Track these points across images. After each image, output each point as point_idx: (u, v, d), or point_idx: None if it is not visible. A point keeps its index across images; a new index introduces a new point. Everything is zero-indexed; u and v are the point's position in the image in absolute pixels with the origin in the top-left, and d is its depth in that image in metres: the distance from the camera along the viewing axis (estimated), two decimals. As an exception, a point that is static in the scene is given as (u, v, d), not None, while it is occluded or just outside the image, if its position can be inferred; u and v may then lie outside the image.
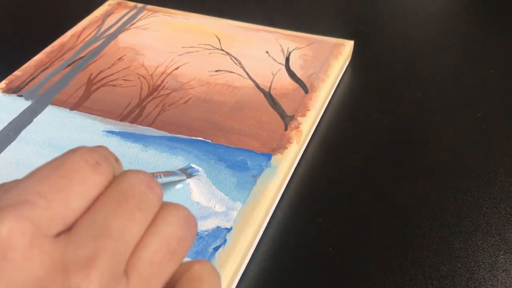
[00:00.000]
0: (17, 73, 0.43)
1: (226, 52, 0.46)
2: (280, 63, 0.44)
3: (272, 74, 0.43)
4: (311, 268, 0.31)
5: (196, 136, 0.37)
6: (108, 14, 0.51)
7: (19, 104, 0.40)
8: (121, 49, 0.46)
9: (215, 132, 0.37)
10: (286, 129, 0.38)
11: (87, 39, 0.48)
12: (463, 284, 0.30)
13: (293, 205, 0.35)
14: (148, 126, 0.38)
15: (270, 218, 0.34)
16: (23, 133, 0.37)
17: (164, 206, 0.19)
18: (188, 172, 0.34)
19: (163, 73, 0.43)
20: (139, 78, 0.43)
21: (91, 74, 0.43)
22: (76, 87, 0.42)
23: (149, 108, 0.40)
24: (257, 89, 0.42)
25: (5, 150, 0.36)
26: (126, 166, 0.34)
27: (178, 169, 0.34)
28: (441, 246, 0.32)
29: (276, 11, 0.56)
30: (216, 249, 0.29)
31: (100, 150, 0.19)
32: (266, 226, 0.33)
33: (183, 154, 0.36)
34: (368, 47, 0.50)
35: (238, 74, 0.43)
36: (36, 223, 0.16)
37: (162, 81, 0.42)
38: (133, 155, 0.36)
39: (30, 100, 0.40)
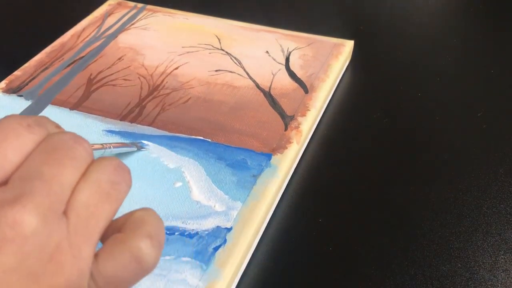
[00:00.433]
0: (17, 73, 0.43)
1: (226, 52, 0.46)
2: (280, 63, 0.44)
3: (272, 74, 0.43)
4: (311, 268, 0.31)
5: (196, 136, 0.37)
6: (108, 14, 0.51)
7: (19, 104, 0.40)
8: (121, 49, 0.46)
9: (215, 131, 0.37)
10: (286, 129, 0.38)
11: (87, 39, 0.48)
12: (463, 284, 0.30)
13: (293, 205, 0.35)
14: (148, 125, 0.38)
15: (270, 218, 0.34)
16: (23, 133, 0.37)
17: (96, 160, 0.20)
18: (138, 145, 0.36)
19: (163, 73, 0.43)
20: (139, 78, 0.43)
21: (91, 74, 0.43)
22: (76, 87, 0.42)
23: (149, 107, 0.40)
24: (257, 89, 0.42)
25: (5, 150, 0.36)
26: (126, 165, 0.34)
27: (129, 142, 0.36)
28: (441, 246, 0.32)
29: (276, 11, 0.56)
30: (216, 249, 0.29)
31: (35, 117, 0.20)
32: (266, 226, 0.33)
33: (182, 153, 0.36)
34: (368, 47, 0.50)
35: (238, 74, 0.43)
36: None
37: (162, 81, 0.42)
38: (133, 155, 0.36)
39: (30, 100, 0.40)
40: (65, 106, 0.40)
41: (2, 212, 0.17)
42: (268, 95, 0.41)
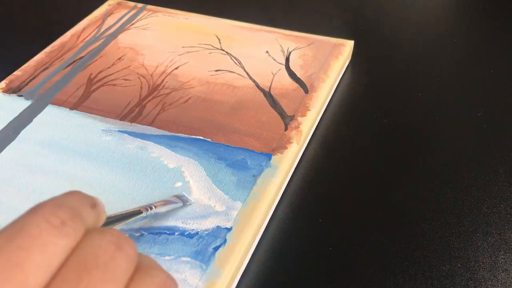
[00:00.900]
0: (17, 73, 0.43)
1: (226, 52, 0.46)
2: (280, 63, 0.44)
3: (272, 74, 0.43)
4: (311, 268, 0.31)
5: (196, 136, 0.37)
6: (108, 14, 0.51)
7: (19, 104, 0.40)
8: (121, 49, 0.46)
9: (215, 131, 0.37)
10: (286, 129, 0.38)
11: (87, 39, 0.48)
12: (463, 284, 0.30)
13: (293, 205, 0.35)
14: (148, 125, 0.38)
15: (270, 218, 0.34)
16: (23, 133, 0.37)
17: (138, 271, 0.17)
18: (183, 200, 0.32)
19: (163, 72, 0.43)
20: (139, 77, 0.43)
21: (91, 74, 0.43)
22: (76, 86, 0.42)
23: (149, 107, 0.40)
24: (257, 89, 0.42)
25: (5, 150, 0.36)
26: (125, 165, 0.34)
27: (174, 196, 0.32)
28: (441, 246, 0.32)
29: (276, 11, 0.56)
30: (216, 249, 0.29)
31: (68, 202, 0.17)
32: (266, 226, 0.33)
33: (182, 153, 0.36)
34: (368, 47, 0.50)
35: (238, 74, 0.43)
36: None
37: (162, 81, 0.42)
38: (133, 154, 0.36)
39: (30, 100, 0.40)
40: (65, 106, 0.40)
41: None
42: (268, 95, 0.41)
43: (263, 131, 0.37)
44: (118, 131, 0.38)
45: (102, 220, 0.19)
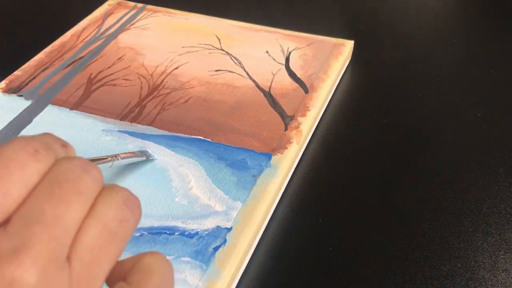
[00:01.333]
0: (17, 73, 0.43)
1: (226, 52, 0.46)
2: (280, 63, 0.44)
3: (272, 74, 0.43)
4: (311, 268, 0.31)
5: (196, 135, 0.37)
6: (108, 14, 0.51)
7: (19, 104, 0.40)
8: (121, 49, 0.46)
9: (215, 131, 0.37)
10: (286, 129, 0.38)
11: (87, 39, 0.48)
12: (463, 284, 0.30)
13: (293, 205, 0.35)
14: (148, 125, 0.38)
15: (270, 218, 0.34)
16: (23, 133, 0.37)
17: (104, 189, 0.19)
18: (146, 154, 0.35)
19: (163, 72, 0.43)
20: (139, 77, 0.43)
21: (91, 74, 0.43)
22: (76, 86, 0.42)
23: (149, 107, 0.40)
24: (257, 89, 0.42)
25: (5, 150, 0.36)
26: (125, 165, 0.34)
27: (137, 151, 0.35)
28: (441, 246, 0.32)
29: (276, 11, 0.56)
30: (216, 249, 0.29)
31: (41, 138, 0.19)
32: (266, 226, 0.33)
33: (182, 153, 0.36)
34: (368, 47, 0.50)
35: (238, 74, 0.43)
36: None
37: (162, 81, 0.42)
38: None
39: (30, 100, 0.40)
40: (65, 106, 0.40)
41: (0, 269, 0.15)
42: (268, 95, 0.41)
43: (263, 131, 0.37)
44: (118, 131, 0.38)
45: None
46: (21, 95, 0.41)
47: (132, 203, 0.19)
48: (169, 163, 0.35)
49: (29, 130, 0.38)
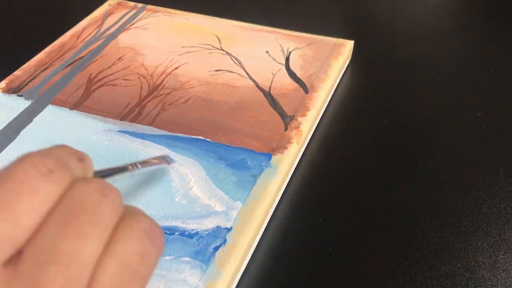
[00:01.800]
0: (17, 73, 0.43)
1: (226, 52, 0.46)
2: (280, 63, 0.44)
3: (272, 74, 0.43)
4: (311, 268, 0.31)
5: (196, 135, 0.37)
6: (108, 14, 0.51)
7: (19, 104, 0.40)
8: (121, 49, 0.46)
9: (215, 131, 0.37)
10: (286, 129, 0.38)
11: (87, 39, 0.48)
12: (463, 284, 0.30)
13: (293, 205, 0.35)
14: (148, 125, 0.38)
15: (270, 218, 0.34)
16: (23, 133, 0.37)
17: (124, 218, 0.17)
18: (167, 160, 0.33)
19: (163, 72, 0.43)
20: (139, 77, 0.43)
21: (91, 74, 0.43)
22: (76, 86, 0.42)
23: (149, 107, 0.40)
24: (257, 89, 0.42)
25: (5, 150, 0.36)
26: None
27: (157, 157, 0.33)
28: (441, 246, 0.32)
29: (276, 11, 0.56)
30: (216, 249, 0.29)
31: (56, 152, 0.17)
32: (266, 226, 0.33)
33: (182, 153, 0.36)
34: (368, 47, 0.50)
35: (238, 74, 0.43)
36: None
37: (162, 81, 0.42)
38: (133, 154, 0.36)
39: (30, 100, 0.40)
40: (65, 106, 0.40)
41: None
42: (268, 95, 0.41)
43: (263, 131, 0.37)
44: (118, 131, 0.38)
45: (89, 174, 0.19)
46: (21, 95, 0.41)
47: (155, 234, 0.18)
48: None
49: (29, 130, 0.38)
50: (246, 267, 0.31)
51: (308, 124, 0.38)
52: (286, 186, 0.36)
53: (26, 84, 0.42)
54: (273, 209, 0.34)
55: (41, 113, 0.39)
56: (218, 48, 0.46)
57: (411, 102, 0.44)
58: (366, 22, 0.54)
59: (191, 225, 0.31)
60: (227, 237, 0.30)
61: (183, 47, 0.46)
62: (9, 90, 0.41)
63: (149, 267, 0.17)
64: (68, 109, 0.40)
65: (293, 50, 0.46)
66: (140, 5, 0.52)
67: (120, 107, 0.40)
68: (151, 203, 0.32)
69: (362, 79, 0.47)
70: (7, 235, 0.15)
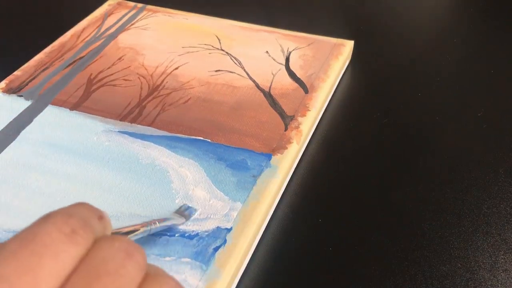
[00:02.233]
0: (17, 73, 0.43)
1: (226, 52, 0.46)
2: (280, 63, 0.44)
3: (272, 74, 0.43)
4: (311, 268, 0.31)
5: (196, 136, 0.37)
6: (108, 14, 0.51)
7: (19, 104, 0.40)
8: (121, 49, 0.46)
9: (215, 132, 0.37)
10: (286, 129, 0.38)
11: (87, 39, 0.48)
12: (463, 284, 0.30)
13: (293, 205, 0.35)
14: (148, 125, 0.38)
15: (270, 218, 0.34)
16: (23, 133, 0.37)
17: (147, 279, 0.17)
18: (186, 214, 0.31)
19: (163, 73, 0.43)
20: (139, 78, 0.43)
21: (91, 74, 0.43)
22: (76, 87, 0.42)
23: (149, 108, 0.40)
24: (257, 89, 0.42)
25: (5, 150, 0.36)
26: (125, 165, 0.34)
27: (174, 212, 0.31)
28: (441, 246, 0.32)
29: (276, 11, 0.56)
30: (216, 249, 0.29)
31: (78, 212, 0.17)
32: (266, 226, 0.33)
33: (182, 153, 0.36)
34: (368, 47, 0.50)
35: (238, 74, 0.43)
36: None
37: (162, 81, 0.42)
38: (133, 154, 0.36)
39: (30, 100, 0.40)
40: (65, 106, 0.40)
41: None
42: (268, 95, 0.41)
43: (263, 131, 0.37)
44: (118, 131, 0.38)
45: (108, 232, 0.19)
46: (21, 95, 0.41)
47: None
48: (169, 164, 0.35)
49: (29, 131, 0.38)
50: (246, 267, 0.31)
51: (308, 124, 0.38)
52: (286, 186, 0.36)
53: (26, 84, 0.42)
54: (273, 209, 0.34)
55: (41, 113, 0.39)
56: (218, 48, 0.46)
57: (411, 102, 0.44)
58: (366, 22, 0.54)
59: (191, 226, 0.31)
60: (227, 238, 0.30)
61: (183, 47, 0.46)
62: (9, 90, 0.42)
63: None
64: (68, 110, 0.40)
65: (293, 50, 0.46)
66: (140, 5, 0.52)
67: (120, 108, 0.40)
68: (152, 205, 0.32)
69: (362, 79, 0.47)
70: None
